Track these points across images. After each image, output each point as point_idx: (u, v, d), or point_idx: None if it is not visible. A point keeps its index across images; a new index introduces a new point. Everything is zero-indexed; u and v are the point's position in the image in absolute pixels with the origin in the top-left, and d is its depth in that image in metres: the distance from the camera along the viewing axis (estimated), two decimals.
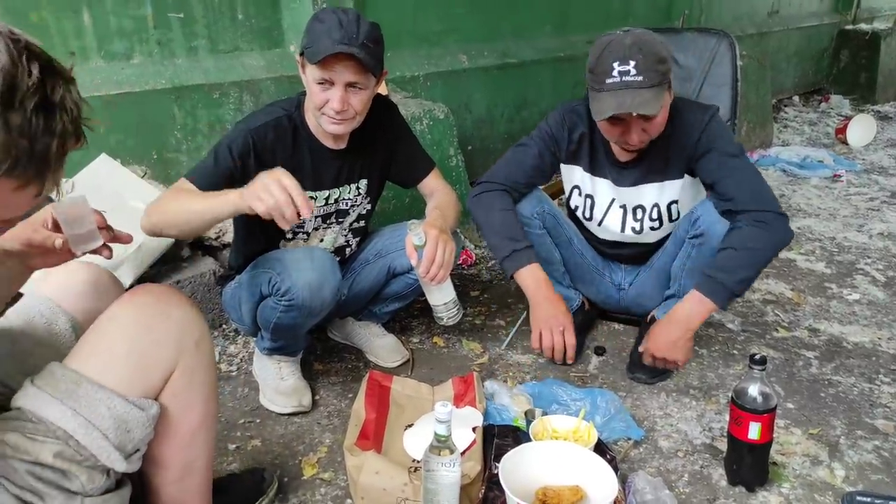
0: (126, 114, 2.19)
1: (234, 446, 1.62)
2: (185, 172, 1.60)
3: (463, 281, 2.52)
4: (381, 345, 1.99)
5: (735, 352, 2.03)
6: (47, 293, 1.16)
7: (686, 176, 1.81)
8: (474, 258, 2.70)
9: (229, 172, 1.55)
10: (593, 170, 1.89)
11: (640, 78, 1.56)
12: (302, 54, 1.56)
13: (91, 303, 1.17)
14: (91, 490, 0.90)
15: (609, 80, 1.58)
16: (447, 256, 1.57)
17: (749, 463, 1.44)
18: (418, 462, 1.44)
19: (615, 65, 1.57)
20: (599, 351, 2.03)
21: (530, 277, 1.78)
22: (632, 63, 1.56)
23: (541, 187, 1.93)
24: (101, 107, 2.12)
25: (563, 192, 2.06)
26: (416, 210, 2.63)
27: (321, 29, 1.51)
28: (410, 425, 1.62)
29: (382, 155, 1.80)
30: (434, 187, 1.86)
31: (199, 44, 2.38)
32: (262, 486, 1.40)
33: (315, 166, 1.68)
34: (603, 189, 1.90)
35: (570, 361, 1.82)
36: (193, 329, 1.02)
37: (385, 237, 1.87)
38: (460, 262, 2.60)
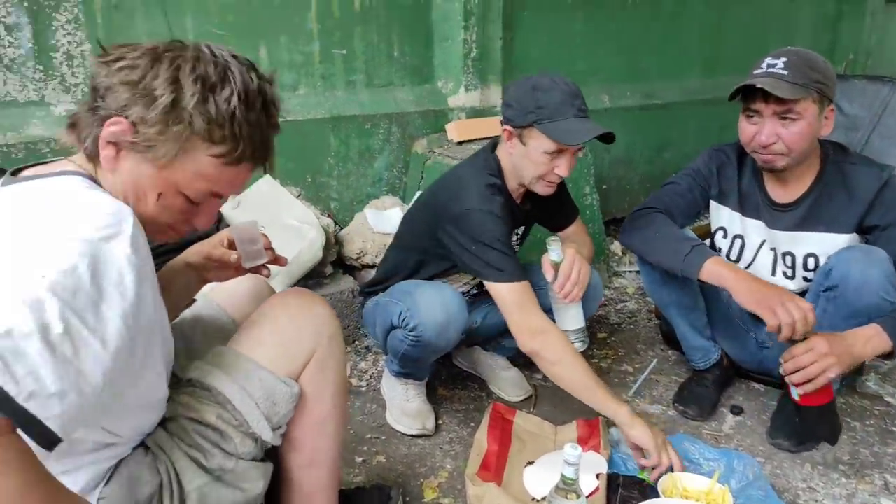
0: (289, 140, 2.39)
1: (360, 459, 1.69)
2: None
3: (590, 322, 2.48)
4: (505, 377, 2.00)
5: (894, 429, 1.83)
6: (215, 299, 1.32)
7: (855, 234, 1.69)
8: (603, 299, 2.65)
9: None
10: (744, 210, 1.82)
11: (786, 72, 1.56)
12: (526, 126, 1.56)
13: (251, 308, 1.28)
14: (243, 454, 1.04)
15: (756, 72, 1.60)
16: (583, 276, 1.61)
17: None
18: (538, 501, 1.43)
19: (767, 59, 1.60)
20: (736, 410, 1.91)
21: (723, 267, 1.61)
22: (782, 59, 1.58)
23: (689, 228, 1.88)
24: None
25: (708, 234, 1.98)
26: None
27: (553, 104, 1.53)
28: (531, 462, 1.61)
29: (543, 205, 1.83)
30: (574, 232, 1.90)
31: (357, 78, 2.56)
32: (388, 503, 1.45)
33: (506, 221, 1.71)
34: (754, 230, 1.81)
35: (811, 325, 1.50)
36: (329, 325, 1.15)
37: (539, 279, 1.88)
38: None
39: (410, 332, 1.64)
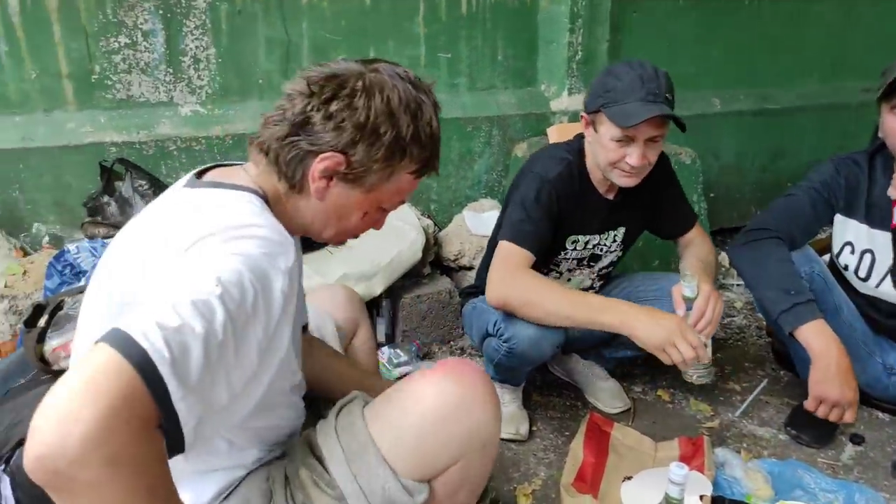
0: None
1: None
2: (505, 235, 1.57)
3: None
4: (602, 388, 1.95)
5: None
6: (319, 305, 1.42)
7: None
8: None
9: (547, 228, 1.61)
10: (871, 221, 1.69)
11: None
12: (596, 111, 1.54)
13: (348, 312, 1.47)
14: None
15: None
16: (716, 313, 1.52)
17: None
18: None
19: None
20: (857, 439, 1.77)
21: (818, 336, 1.53)
22: None
23: (808, 244, 1.76)
24: None
25: (826, 249, 1.85)
26: (658, 254, 2.56)
27: (621, 87, 1.49)
28: (629, 477, 1.56)
29: (648, 206, 1.77)
30: (693, 240, 1.81)
31: (460, 81, 2.58)
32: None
33: (586, 213, 1.70)
34: (886, 244, 1.67)
35: (849, 416, 1.53)
36: (485, 432, 1.02)
37: (637, 285, 1.84)
38: None
39: (505, 342, 1.62)
